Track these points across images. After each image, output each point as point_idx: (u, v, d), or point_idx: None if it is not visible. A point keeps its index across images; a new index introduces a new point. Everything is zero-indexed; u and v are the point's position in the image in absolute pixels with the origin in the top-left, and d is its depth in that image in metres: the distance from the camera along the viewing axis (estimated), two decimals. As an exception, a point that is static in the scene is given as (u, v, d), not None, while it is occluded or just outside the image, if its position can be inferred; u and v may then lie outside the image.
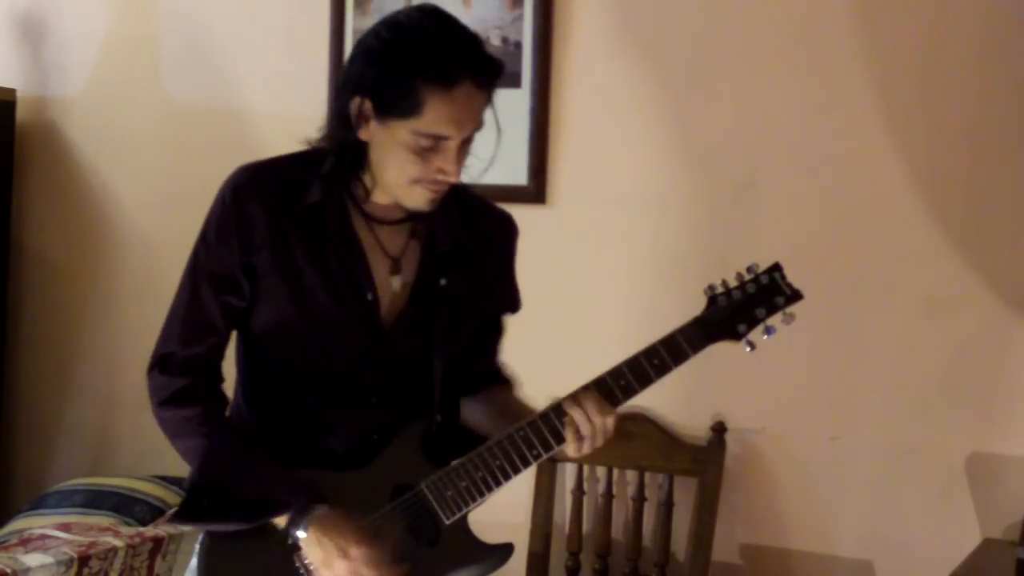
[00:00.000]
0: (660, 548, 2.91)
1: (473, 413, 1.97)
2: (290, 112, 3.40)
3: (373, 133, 1.72)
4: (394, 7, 3.20)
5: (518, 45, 3.08)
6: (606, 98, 3.04)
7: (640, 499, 2.96)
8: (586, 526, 3.04)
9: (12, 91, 3.73)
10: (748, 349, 1.81)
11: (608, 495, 2.98)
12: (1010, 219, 2.69)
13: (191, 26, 3.56)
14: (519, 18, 3.09)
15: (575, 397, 1.77)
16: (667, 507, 2.92)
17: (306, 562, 1.74)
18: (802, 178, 2.87)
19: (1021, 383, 2.68)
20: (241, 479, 1.75)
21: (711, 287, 1.82)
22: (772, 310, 1.81)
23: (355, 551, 1.70)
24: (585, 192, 3.08)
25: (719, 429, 2.89)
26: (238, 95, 3.50)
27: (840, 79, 2.82)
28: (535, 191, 3.08)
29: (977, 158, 2.72)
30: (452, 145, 1.70)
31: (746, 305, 1.80)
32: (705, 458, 2.88)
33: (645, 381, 1.79)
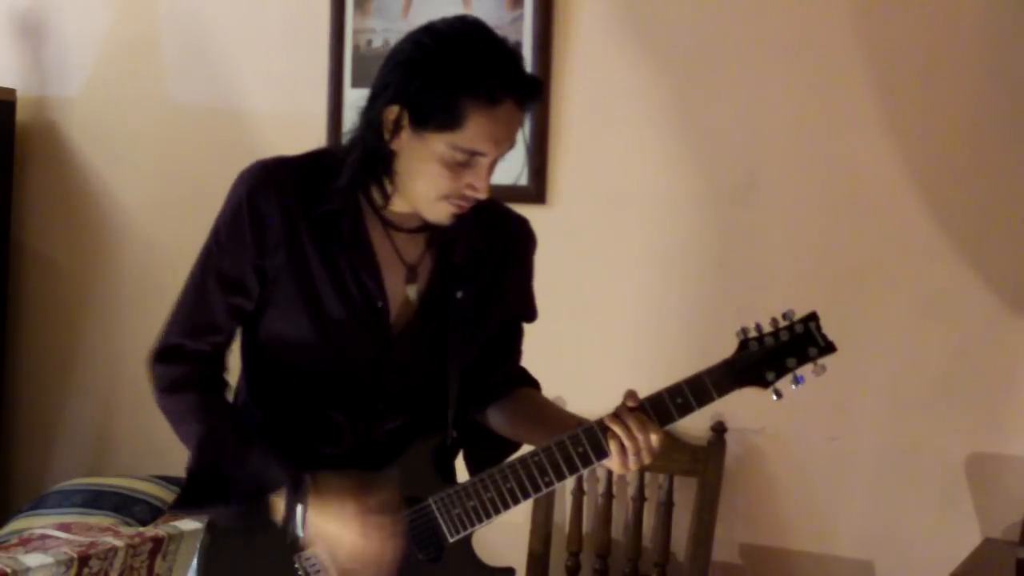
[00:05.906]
0: (660, 548, 2.91)
1: (501, 418, 1.93)
2: (290, 112, 3.41)
3: (405, 143, 1.68)
4: (395, 8, 3.26)
5: (518, 45, 3.07)
6: (606, 98, 3.04)
7: (640, 499, 2.96)
8: (586, 526, 3.04)
9: (12, 91, 3.73)
10: (775, 398, 1.77)
11: (608, 495, 2.98)
12: (1010, 218, 2.69)
13: (191, 26, 3.56)
14: (519, 18, 3.09)
15: (610, 417, 1.72)
16: (667, 507, 2.92)
17: (305, 562, 1.75)
18: (802, 178, 2.87)
19: (1021, 383, 2.68)
20: (235, 459, 1.73)
21: (743, 330, 1.76)
22: (803, 360, 1.76)
23: (354, 506, 1.68)
24: (585, 192, 3.08)
25: (719, 429, 2.89)
26: (238, 95, 3.50)
27: (840, 79, 2.82)
28: (535, 191, 3.08)
29: (977, 158, 2.72)
30: (486, 162, 1.68)
31: (777, 353, 1.75)
32: (705, 458, 2.88)
33: (666, 419, 1.74)
